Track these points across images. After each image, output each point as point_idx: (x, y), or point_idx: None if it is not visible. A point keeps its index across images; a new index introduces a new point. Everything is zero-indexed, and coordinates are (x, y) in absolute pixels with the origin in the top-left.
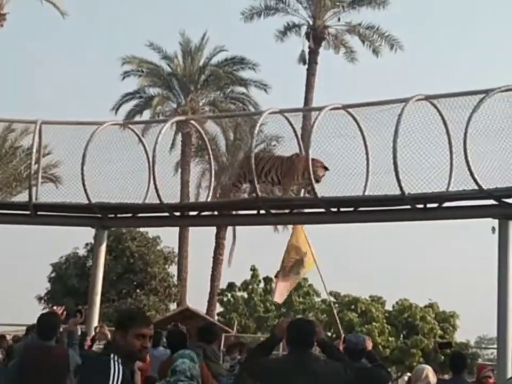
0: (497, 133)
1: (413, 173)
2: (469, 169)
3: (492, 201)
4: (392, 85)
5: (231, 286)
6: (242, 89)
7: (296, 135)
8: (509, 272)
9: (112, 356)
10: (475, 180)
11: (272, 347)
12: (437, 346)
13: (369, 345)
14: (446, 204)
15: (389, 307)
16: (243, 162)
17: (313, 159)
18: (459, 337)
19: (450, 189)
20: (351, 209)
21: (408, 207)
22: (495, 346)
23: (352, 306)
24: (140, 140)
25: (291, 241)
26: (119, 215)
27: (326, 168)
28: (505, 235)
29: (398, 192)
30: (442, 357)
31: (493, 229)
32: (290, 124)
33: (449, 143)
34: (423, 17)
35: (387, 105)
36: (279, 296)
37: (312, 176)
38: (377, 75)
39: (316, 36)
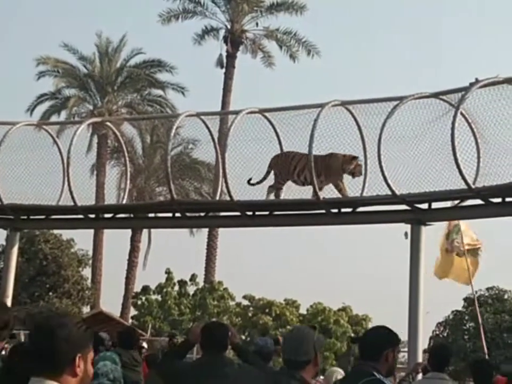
0: (410, 139)
1: None
2: (383, 174)
3: (404, 207)
4: (308, 90)
5: (145, 289)
6: (159, 92)
7: (212, 138)
8: (420, 277)
9: None
10: (388, 185)
11: (185, 351)
12: (350, 340)
13: None
14: (360, 209)
15: (303, 310)
16: (274, 161)
17: (342, 155)
18: None
19: (364, 194)
20: (266, 213)
21: (323, 211)
22: (406, 349)
23: (267, 310)
24: (55, 141)
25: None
26: (32, 217)
27: (354, 158)
28: (417, 240)
29: (312, 196)
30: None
31: (406, 234)
32: (207, 127)
33: (364, 148)
34: (340, 23)
35: (303, 110)
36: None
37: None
38: (294, 80)
39: (234, 40)
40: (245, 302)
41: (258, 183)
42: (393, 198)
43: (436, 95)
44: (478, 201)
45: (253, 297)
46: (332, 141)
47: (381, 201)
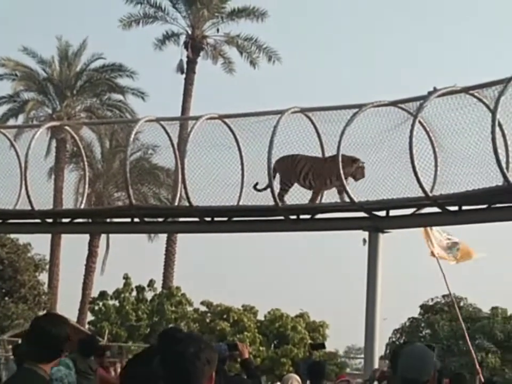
0: (369, 147)
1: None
2: (271, 188)
3: (363, 214)
4: (269, 96)
5: (102, 295)
6: (119, 97)
7: (172, 143)
8: (378, 283)
9: None
10: (347, 193)
11: (150, 358)
12: (310, 347)
13: (246, 352)
14: (319, 216)
15: (261, 317)
16: (284, 164)
17: (345, 158)
18: (328, 346)
19: (323, 201)
20: (225, 219)
21: (282, 217)
22: (363, 356)
23: (225, 316)
24: (12, 145)
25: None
26: None
27: (355, 161)
28: (374, 247)
29: (271, 203)
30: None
31: (364, 240)
32: (167, 133)
33: (323, 155)
34: (301, 30)
35: (263, 116)
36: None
37: (342, 178)
38: (254, 86)
39: (195, 45)
40: (203, 308)
41: (265, 188)
42: (352, 205)
43: (394, 104)
44: (435, 209)
45: (211, 303)
46: (291, 147)
47: (340, 208)
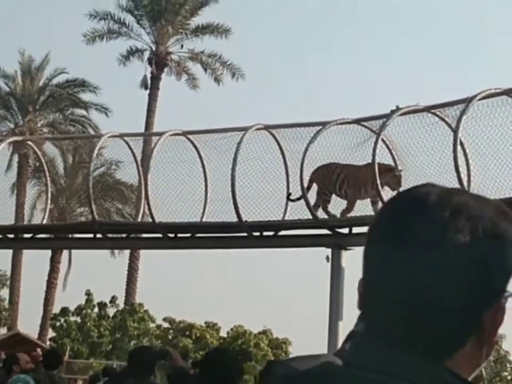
0: None
1: (250, 201)
2: (305, 199)
3: (326, 231)
4: (233, 113)
5: (64, 311)
6: (82, 112)
7: (135, 159)
8: (340, 300)
9: None
10: (310, 210)
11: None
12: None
13: None
14: (282, 232)
15: (223, 333)
16: (316, 174)
17: (381, 166)
18: None
19: (286, 218)
20: (189, 235)
21: (245, 234)
22: None
23: (187, 332)
24: None
25: None
26: None
27: (391, 170)
28: (337, 264)
29: (235, 219)
30: None
31: (327, 257)
32: (130, 148)
33: (286, 172)
34: (265, 48)
35: (227, 133)
36: None
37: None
38: (218, 103)
39: (159, 61)
40: (165, 325)
41: (299, 198)
42: (315, 222)
43: (357, 121)
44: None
45: (173, 320)
46: (255, 164)
47: (303, 225)
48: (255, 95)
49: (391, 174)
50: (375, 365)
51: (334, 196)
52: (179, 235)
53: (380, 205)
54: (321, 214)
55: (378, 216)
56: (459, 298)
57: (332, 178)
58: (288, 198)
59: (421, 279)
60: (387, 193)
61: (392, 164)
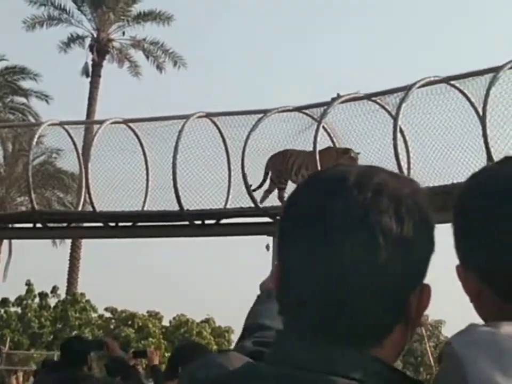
0: (273, 152)
1: (192, 189)
2: (246, 187)
3: (267, 219)
4: (176, 100)
5: (4, 302)
6: (22, 99)
7: (75, 148)
8: None
9: None
10: (252, 198)
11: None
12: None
13: (155, 359)
14: (224, 221)
15: (166, 322)
16: (271, 161)
17: (335, 149)
18: None
19: (228, 206)
20: (130, 224)
21: (187, 223)
22: None
23: (129, 322)
24: None
25: None
26: None
27: (346, 152)
28: None
29: (177, 208)
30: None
31: (267, 246)
32: (70, 136)
33: (228, 160)
34: (207, 36)
35: (168, 121)
36: None
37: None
38: (161, 90)
39: (100, 48)
40: (107, 314)
41: (258, 187)
42: (256, 211)
43: (299, 109)
44: None
45: (115, 309)
46: (196, 152)
47: (245, 213)
48: (197, 83)
49: (346, 155)
50: (297, 360)
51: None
52: (120, 224)
53: None
54: (276, 201)
55: (292, 198)
56: (385, 283)
57: (287, 165)
58: (252, 190)
59: (344, 264)
60: None
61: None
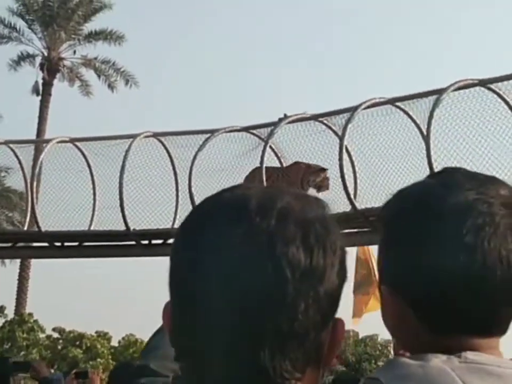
0: (220, 172)
1: (139, 209)
2: (193, 206)
3: None
4: (126, 119)
5: None
6: None
7: (21, 166)
8: None
9: None
10: None
11: None
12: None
13: (96, 380)
14: (171, 241)
15: (115, 343)
16: (246, 179)
17: (307, 166)
18: None
19: (175, 226)
20: (76, 244)
21: (133, 242)
22: None
23: (78, 342)
24: None
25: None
26: None
27: (322, 169)
28: None
29: (123, 228)
30: None
31: None
32: (16, 155)
33: (175, 180)
34: (160, 56)
35: (115, 140)
36: (357, 312)
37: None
38: (112, 109)
39: (51, 67)
40: (55, 335)
41: None
42: None
43: (246, 129)
44: None
45: (63, 330)
46: (143, 172)
47: None
48: (147, 102)
49: (322, 174)
50: None
51: None
52: (66, 244)
53: None
54: None
55: (186, 229)
56: (293, 321)
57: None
58: None
59: (246, 303)
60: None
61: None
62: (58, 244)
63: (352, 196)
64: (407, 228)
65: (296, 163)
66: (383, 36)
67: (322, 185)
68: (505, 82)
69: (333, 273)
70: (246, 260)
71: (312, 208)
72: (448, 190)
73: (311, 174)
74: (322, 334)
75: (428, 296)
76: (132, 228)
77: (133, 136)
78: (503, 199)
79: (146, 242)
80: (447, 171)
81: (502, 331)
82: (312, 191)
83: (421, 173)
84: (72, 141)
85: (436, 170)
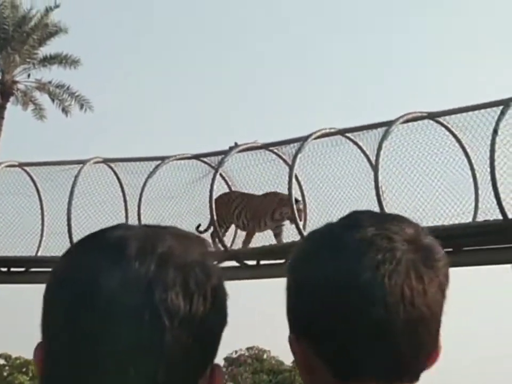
0: (170, 199)
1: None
2: (200, 230)
3: None
4: (80, 144)
5: None
6: None
7: None
8: None
9: None
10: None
11: None
12: None
13: None
14: None
15: None
16: (219, 203)
17: (284, 196)
18: None
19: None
20: (22, 269)
21: None
22: None
23: (24, 369)
24: None
25: None
26: None
27: (296, 201)
28: None
29: None
30: None
31: None
32: None
33: (125, 206)
34: (114, 80)
35: (65, 165)
36: None
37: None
38: (65, 134)
39: (4, 90)
40: (1, 361)
41: (206, 230)
42: None
43: (196, 157)
44: (234, 263)
45: (9, 356)
46: (93, 197)
47: None
48: (103, 126)
49: (297, 206)
50: None
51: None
52: (12, 269)
53: (283, 237)
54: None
55: (58, 272)
56: (170, 369)
57: (230, 208)
58: (197, 230)
59: (120, 354)
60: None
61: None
62: (4, 269)
63: (301, 226)
64: (305, 271)
65: (273, 193)
66: (329, 67)
67: (294, 218)
68: (453, 116)
69: (213, 320)
70: (123, 307)
71: (194, 251)
72: (346, 229)
73: (284, 206)
74: (199, 381)
75: (330, 341)
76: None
77: (83, 162)
78: (407, 236)
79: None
80: (353, 213)
81: (413, 377)
82: (286, 222)
83: (369, 202)
84: (21, 165)
85: (383, 200)
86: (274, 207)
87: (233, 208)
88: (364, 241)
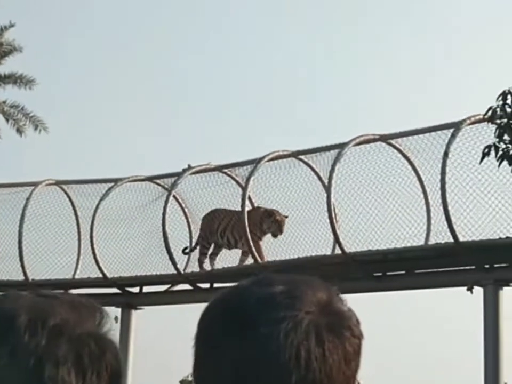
0: (123, 221)
1: (39, 258)
2: (94, 257)
3: (116, 290)
4: (34, 165)
5: None
6: None
7: None
8: (130, 361)
9: None
10: (100, 268)
11: None
12: None
13: None
14: (72, 291)
15: None
16: (203, 223)
17: (262, 212)
18: None
19: (76, 276)
20: None
21: None
22: None
23: None
24: None
25: None
26: None
27: (270, 215)
28: (127, 323)
29: (22, 277)
30: None
31: (116, 318)
32: None
33: (78, 230)
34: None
35: (17, 188)
36: None
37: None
38: (21, 154)
39: None
40: None
41: (191, 250)
42: (105, 281)
43: (150, 179)
44: (187, 286)
45: None
46: (45, 220)
47: (93, 284)
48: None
49: (271, 219)
50: None
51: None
52: None
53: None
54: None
55: None
56: None
57: (213, 227)
58: (183, 252)
59: None
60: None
61: (184, 220)
62: None
63: (253, 249)
64: (206, 332)
65: (256, 208)
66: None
67: (273, 229)
68: (405, 138)
69: None
70: None
71: (88, 321)
72: (250, 287)
73: (267, 218)
74: None
75: None
76: (30, 278)
77: (35, 184)
78: (317, 299)
79: None
80: (267, 273)
81: None
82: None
83: (322, 224)
84: None
85: (336, 222)
86: (259, 221)
87: (216, 225)
88: (265, 298)
